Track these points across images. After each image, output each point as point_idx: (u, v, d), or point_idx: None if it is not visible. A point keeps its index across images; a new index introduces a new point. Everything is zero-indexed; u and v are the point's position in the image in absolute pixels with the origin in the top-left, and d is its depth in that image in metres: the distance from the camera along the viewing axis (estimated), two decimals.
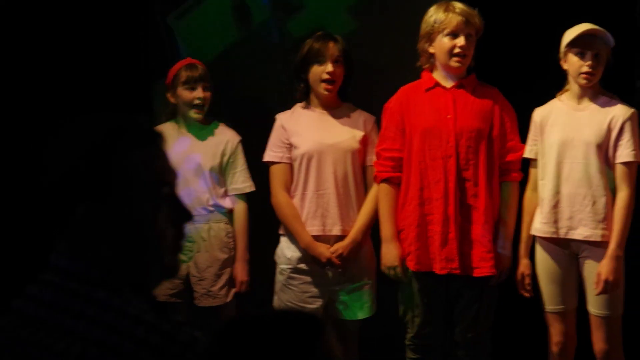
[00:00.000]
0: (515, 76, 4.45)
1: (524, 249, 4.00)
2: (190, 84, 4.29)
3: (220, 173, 4.36)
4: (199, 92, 4.29)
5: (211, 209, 4.33)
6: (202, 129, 4.40)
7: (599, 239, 3.83)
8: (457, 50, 3.84)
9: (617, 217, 3.81)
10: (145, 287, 1.72)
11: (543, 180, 3.94)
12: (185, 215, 1.75)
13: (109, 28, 4.66)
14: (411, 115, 3.95)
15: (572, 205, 3.86)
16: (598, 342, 3.91)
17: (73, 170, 1.67)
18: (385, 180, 4.02)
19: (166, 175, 1.75)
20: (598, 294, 3.81)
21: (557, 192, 3.88)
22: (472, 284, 3.91)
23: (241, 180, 4.37)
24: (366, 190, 4.18)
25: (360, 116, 4.21)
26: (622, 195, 3.82)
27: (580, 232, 3.85)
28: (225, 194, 4.38)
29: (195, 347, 1.64)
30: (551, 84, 4.07)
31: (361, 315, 4.18)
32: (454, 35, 3.84)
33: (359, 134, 4.17)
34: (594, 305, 3.88)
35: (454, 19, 3.83)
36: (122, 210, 1.68)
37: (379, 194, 4.05)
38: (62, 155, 1.70)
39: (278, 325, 1.64)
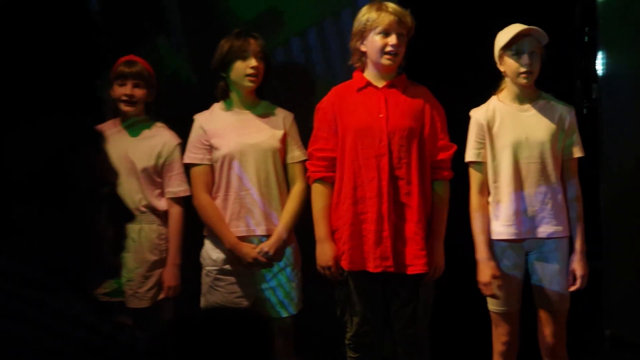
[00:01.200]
0: (444, 76, 4.48)
1: (485, 252, 3.97)
2: (121, 80, 4.25)
3: (155, 174, 4.32)
4: (126, 89, 4.25)
5: (143, 209, 4.29)
6: (140, 128, 4.36)
7: (559, 236, 3.88)
8: (388, 48, 3.87)
9: (579, 212, 3.87)
10: (86, 287, 1.71)
11: (497, 183, 3.95)
12: (127, 215, 1.74)
13: (53, 23, 4.61)
14: (343, 115, 3.96)
15: (533, 205, 3.89)
16: (546, 337, 3.96)
17: (12, 171, 1.65)
18: (319, 180, 4.02)
19: (107, 174, 1.73)
20: (571, 290, 3.84)
21: (515, 192, 3.90)
22: (407, 282, 3.94)
23: (177, 184, 4.34)
24: (289, 188, 4.18)
25: (279, 114, 4.22)
26: (576, 190, 3.90)
27: (544, 230, 3.89)
28: (160, 196, 4.34)
29: (136, 348, 1.63)
30: (481, 83, 4.10)
31: (288, 312, 4.19)
32: (385, 33, 3.88)
33: (279, 132, 4.18)
34: (544, 302, 3.93)
35: (386, 18, 3.87)
36: (62, 210, 1.66)
37: (312, 194, 4.07)
38: (1, 156, 1.67)
39: (223, 323, 1.63)
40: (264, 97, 4.29)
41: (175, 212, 4.37)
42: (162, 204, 4.37)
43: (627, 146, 5.30)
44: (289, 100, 4.41)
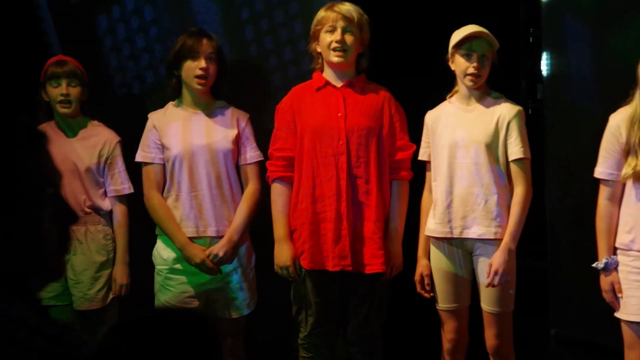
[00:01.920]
0: (406, 77, 4.50)
1: (422, 249, 4.05)
2: (55, 80, 4.21)
3: (98, 174, 4.29)
4: (62, 89, 4.21)
5: (88, 210, 4.25)
6: (78, 127, 4.32)
7: (492, 237, 3.90)
8: (334, 45, 3.89)
9: (513, 212, 3.89)
10: (30, 289, 1.68)
11: (435, 182, 3.99)
12: (70, 216, 1.71)
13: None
14: (302, 115, 3.96)
15: (464, 204, 3.91)
16: (490, 338, 3.98)
17: None
18: (278, 180, 4.01)
19: (50, 175, 1.71)
20: (488, 286, 3.86)
21: (449, 192, 3.94)
22: (365, 281, 3.94)
23: (120, 182, 4.33)
24: (242, 189, 4.17)
25: (233, 114, 4.20)
26: (518, 191, 3.91)
27: (474, 231, 3.91)
28: (104, 196, 4.31)
29: (81, 351, 1.60)
30: (442, 85, 4.13)
31: (240, 312, 4.18)
32: (332, 30, 3.88)
33: (233, 133, 4.16)
34: (487, 302, 3.95)
35: (331, 15, 3.91)
36: (5, 211, 1.64)
37: (272, 194, 4.05)
38: None
39: (169, 325, 1.62)
40: (219, 96, 4.26)
41: (120, 210, 4.35)
42: (106, 203, 4.33)
43: (571, 146, 5.36)
44: (249, 100, 4.38)
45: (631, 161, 3.60)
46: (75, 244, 4.24)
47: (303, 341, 4.07)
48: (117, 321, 1.67)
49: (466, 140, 3.93)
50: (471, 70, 3.90)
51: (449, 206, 3.95)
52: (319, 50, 3.99)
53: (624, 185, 3.69)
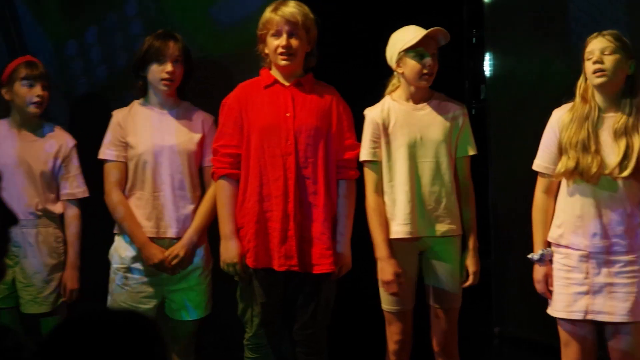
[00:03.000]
0: (350, 76, 4.50)
1: (386, 250, 3.93)
2: (30, 81, 4.17)
3: (52, 177, 4.25)
4: (37, 90, 4.19)
5: (39, 213, 4.21)
6: (35, 130, 4.29)
7: (455, 234, 3.94)
8: (280, 50, 3.88)
9: (471, 209, 3.94)
10: None
11: (392, 182, 3.97)
12: (10, 218, 1.68)
13: None
14: (250, 112, 3.94)
15: (428, 203, 3.92)
16: (438, 335, 4.00)
17: None
18: (224, 177, 3.99)
19: None
20: (466, 285, 3.92)
21: (412, 192, 3.93)
22: (311, 281, 3.93)
23: (74, 186, 4.29)
24: (203, 191, 4.15)
25: (199, 116, 4.18)
26: (470, 188, 3.95)
27: (438, 229, 3.93)
28: (57, 199, 4.27)
29: (21, 353, 1.58)
30: (374, 83, 4.13)
31: (196, 315, 4.15)
32: (277, 35, 3.88)
33: (197, 135, 4.14)
34: (438, 299, 3.97)
35: (276, 19, 3.89)
36: None
37: (217, 191, 4.02)
38: None
39: (109, 327, 1.60)
40: (185, 97, 4.23)
41: (73, 214, 4.30)
42: (58, 207, 4.29)
43: (514, 146, 5.41)
44: (212, 100, 4.35)
45: (563, 160, 3.66)
46: (25, 246, 4.19)
47: (248, 342, 4.05)
48: (58, 323, 1.65)
49: (425, 138, 3.94)
50: (427, 70, 3.91)
51: (412, 206, 3.94)
52: (266, 51, 3.97)
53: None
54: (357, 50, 5.08)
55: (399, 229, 3.94)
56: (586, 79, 3.66)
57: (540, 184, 3.80)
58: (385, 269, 3.93)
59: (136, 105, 4.19)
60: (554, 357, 3.83)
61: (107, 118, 4.22)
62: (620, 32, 3.65)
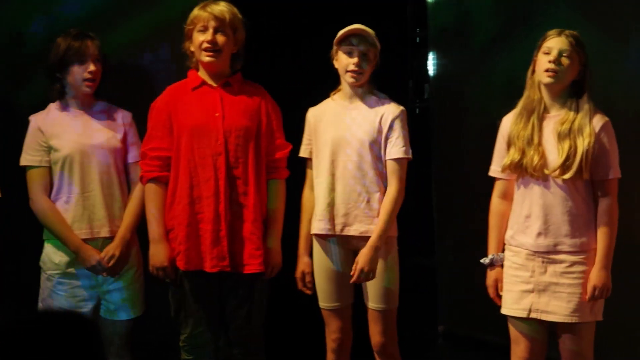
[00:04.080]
0: (285, 76, 4.49)
1: (303, 247, 4.03)
2: None
3: None
4: None
5: None
6: None
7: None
8: (205, 45, 3.86)
9: (382, 210, 3.91)
10: None
11: (318, 179, 4.00)
12: None
13: None
14: (179, 114, 3.91)
15: (347, 202, 3.93)
16: (375, 335, 4.00)
17: None
18: (153, 180, 3.96)
19: None
20: (352, 282, 3.89)
21: (332, 189, 3.94)
22: (243, 281, 3.91)
23: None
24: (129, 187, 4.12)
25: (118, 114, 4.14)
26: (391, 190, 3.93)
27: (356, 228, 3.92)
28: None
29: None
30: (324, 84, 4.13)
31: (132, 314, 4.11)
32: (204, 30, 3.87)
33: (119, 132, 4.10)
34: (372, 300, 3.97)
35: (203, 15, 3.88)
36: None
37: (145, 194, 3.98)
38: None
39: (48, 329, 1.57)
40: (100, 96, 4.19)
41: None
42: None
43: (457, 145, 5.45)
44: (125, 99, 4.31)
45: (510, 152, 3.68)
46: None
47: (184, 343, 4.02)
48: None
49: (349, 138, 3.94)
50: (352, 67, 3.91)
51: (331, 203, 3.95)
52: (192, 49, 3.95)
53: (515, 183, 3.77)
54: (303, 50, 5.07)
55: (316, 224, 3.98)
56: (534, 71, 3.68)
57: (496, 189, 3.82)
58: (298, 266, 4.03)
59: (53, 108, 4.13)
60: (497, 355, 3.85)
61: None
62: (580, 36, 3.66)
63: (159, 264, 3.90)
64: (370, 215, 3.92)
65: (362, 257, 3.85)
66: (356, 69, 3.87)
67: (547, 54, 3.57)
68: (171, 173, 3.90)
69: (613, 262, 3.61)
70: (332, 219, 3.94)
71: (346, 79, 3.92)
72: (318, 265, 4.01)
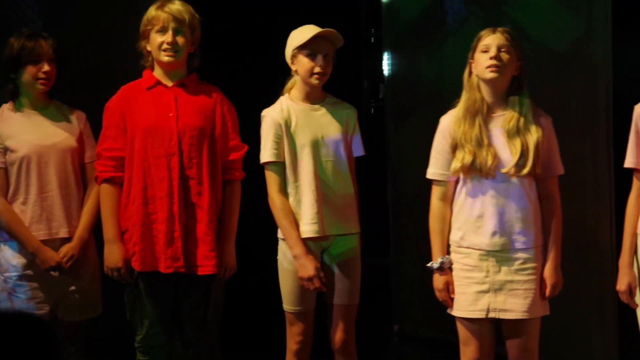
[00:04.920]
0: (237, 76, 4.48)
1: (301, 247, 3.85)
2: None
3: None
4: None
5: None
6: None
7: (350, 232, 3.94)
8: (164, 46, 3.85)
9: (354, 210, 3.95)
10: None
11: (297, 182, 3.96)
12: None
13: None
14: (132, 114, 3.89)
15: (330, 202, 3.93)
16: (338, 332, 4.00)
17: None
18: (107, 180, 3.93)
19: None
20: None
21: (317, 191, 3.92)
22: (199, 282, 3.90)
23: None
24: (85, 187, 4.09)
25: (72, 113, 4.12)
26: (355, 188, 3.97)
27: (342, 227, 3.93)
28: None
29: None
30: (272, 84, 4.12)
31: (87, 315, 4.08)
32: (163, 31, 3.85)
33: (75, 132, 4.08)
34: (338, 295, 3.97)
35: (162, 15, 3.85)
36: None
37: (100, 194, 3.96)
38: None
39: (3, 332, 1.56)
40: (54, 96, 4.15)
41: None
42: None
43: (411, 145, 5.47)
44: (79, 99, 4.28)
45: (459, 155, 3.69)
46: None
47: (139, 344, 4.00)
48: None
49: (325, 138, 3.94)
50: (318, 69, 3.91)
51: (319, 205, 3.93)
52: (149, 49, 3.93)
53: (456, 184, 3.78)
54: (257, 51, 5.06)
55: (307, 228, 3.93)
56: (471, 72, 3.70)
57: (436, 192, 3.82)
58: (306, 266, 3.86)
59: (6, 109, 4.09)
60: (453, 354, 3.87)
61: None
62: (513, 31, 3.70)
63: (113, 265, 3.88)
64: (351, 213, 3.95)
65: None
66: (322, 71, 3.88)
67: (486, 51, 3.60)
68: (125, 173, 3.89)
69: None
70: (321, 221, 3.91)
71: (311, 82, 3.91)
72: (287, 269, 3.97)
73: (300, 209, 3.93)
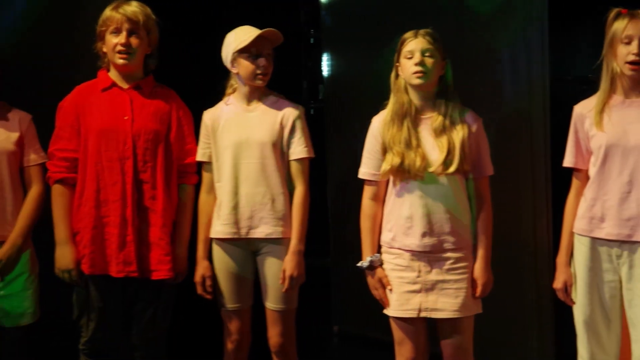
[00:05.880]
0: (191, 79, 4.46)
1: (202, 251, 4.01)
2: None
3: None
4: None
5: None
6: None
7: (279, 236, 3.92)
8: (118, 47, 3.81)
9: (296, 213, 3.93)
10: None
11: (220, 183, 3.97)
12: None
13: None
14: (87, 115, 3.85)
15: (251, 204, 3.92)
16: (274, 336, 4.01)
17: None
18: (60, 181, 3.89)
19: None
20: (285, 290, 3.89)
21: (235, 192, 3.93)
22: (150, 286, 3.87)
23: None
24: (25, 192, 4.03)
25: (15, 115, 4.05)
26: (299, 190, 3.95)
27: (262, 231, 3.92)
28: None
29: None
30: (219, 85, 4.11)
31: (23, 321, 4.02)
32: (117, 32, 3.81)
33: (14, 134, 4.01)
34: (272, 301, 3.97)
35: (116, 16, 3.83)
36: None
37: (52, 195, 3.91)
38: None
39: None
40: (0, 97, 4.08)
41: None
42: None
43: (350, 145, 5.47)
44: (29, 99, 4.21)
45: (388, 157, 3.71)
46: None
47: (84, 347, 3.96)
48: None
49: (251, 139, 3.93)
50: (260, 70, 3.91)
51: (235, 207, 3.94)
52: (104, 50, 3.89)
53: (387, 184, 3.80)
54: (197, 53, 5.03)
55: (219, 229, 3.97)
56: (397, 75, 3.73)
57: (367, 192, 3.84)
58: (197, 270, 4.01)
59: None
60: (392, 354, 3.88)
61: None
62: (435, 31, 3.72)
63: (64, 267, 3.84)
64: (275, 217, 3.93)
65: (288, 264, 3.88)
66: (265, 71, 3.89)
67: (410, 57, 3.63)
68: (79, 175, 3.84)
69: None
70: (237, 222, 3.93)
71: (255, 83, 3.92)
72: (218, 268, 4.00)
73: (220, 209, 3.95)
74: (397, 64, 3.70)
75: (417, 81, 3.62)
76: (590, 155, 3.69)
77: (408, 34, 3.67)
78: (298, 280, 3.91)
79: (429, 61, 3.62)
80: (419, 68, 3.61)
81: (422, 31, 3.66)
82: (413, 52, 3.62)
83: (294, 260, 3.89)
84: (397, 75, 3.72)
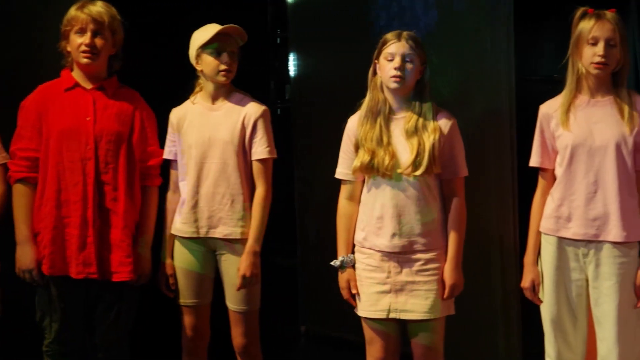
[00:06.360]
0: (156, 80, 4.43)
1: (168, 249, 4.03)
2: None
3: None
4: None
5: None
6: None
7: (238, 237, 3.91)
8: (82, 47, 3.79)
9: (254, 213, 3.92)
10: None
11: (184, 181, 3.98)
12: None
13: None
14: (49, 115, 3.82)
15: (210, 204, 3.92)
16: (237, 337, 4.01)
17: None
18: (21, 181, 3.85)
19: None
20: (238, 289, 3.89)
21: (196, 192, 3.94)
22: (112, 287, 3.85)
23: None
24: None
25: None
26: (260, 191, 3.94)
27: (221, 231, 3.92)
28: None
29: None
30: (187, 84, 4.10)
31: None
32: (81, 32, 3.79)
33: None
34: (232, 301, 3.97)
35: (81, 16, 3.81)
36: None
37: (13, 195, 3.88)
38: None
39: None
40: None
41: None
42: None
43: (317, 146, 5.48)
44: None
45: (359, 154, 3.71)
46: None
47: (47, 348, 3.92)
48: None
49: (213, 139, 3.93)
50: (223, 67, 3.90)
51: (195, 205, 3.94)
52: (68, 49, 3.86)
53: (363, 184, 3.80)
54: (163, 53, 5.00)
55: (180, 227, 4.00)
56: (375, 72, 3.72)
57: (343, 191, 3.84)
58: (160, 268, 4.05)
59: None
60: (359, 354, 3.89)
61: None
62: (417, 33, 3.71)
63: (25, 267, 3.82)
64: (234, 218, 3.93)
65: (242, 264, 3.89)
66: (228, 67, 3.88)
67: (390, 60, 3.62)
68: (40, 175, 3.82)
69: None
70: (196, 221, 3.93)
71: (218, 80, 3.92)
72: (179, 265, 4.03)
73: (181, 207, 3.96)
74: (376, 61, 3.69)
75: (393, 85, 3.62)
76: (556, 155, 3.71)
77: (391, 35, 3.65)
78: (252, 280, 3.90)
79: (408, 66, 3.61)
80: (397, 73, 3.60)
81: (405, 34, 3.65)
82: (394, 56, 3.61)
83: (248, 260, 3.89)
84: (375, 72, 3.71)
